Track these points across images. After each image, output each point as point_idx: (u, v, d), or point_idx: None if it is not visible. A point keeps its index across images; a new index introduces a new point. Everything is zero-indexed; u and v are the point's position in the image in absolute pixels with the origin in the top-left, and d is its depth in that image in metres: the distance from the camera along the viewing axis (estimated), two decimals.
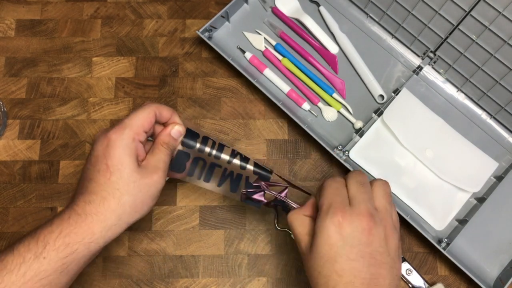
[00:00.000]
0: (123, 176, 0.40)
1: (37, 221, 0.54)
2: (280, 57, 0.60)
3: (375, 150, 0.56)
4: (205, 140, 0.48)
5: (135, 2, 0.63)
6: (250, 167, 0.48)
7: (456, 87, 0.60)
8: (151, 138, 0.46)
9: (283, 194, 0.47)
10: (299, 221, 0.42)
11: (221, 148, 0.49)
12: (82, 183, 0.41)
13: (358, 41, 0.61)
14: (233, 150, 0.49)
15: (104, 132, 0.42)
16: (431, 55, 0.59)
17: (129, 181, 0.40)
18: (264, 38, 0.61)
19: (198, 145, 0.48)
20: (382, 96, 0.59)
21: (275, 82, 0.59)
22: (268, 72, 0.59)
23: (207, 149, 0.48)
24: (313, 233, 0.40)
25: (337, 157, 0.54)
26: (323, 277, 0.38)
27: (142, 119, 0.42)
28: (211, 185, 0.48)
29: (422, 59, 0.60)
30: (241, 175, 0.48)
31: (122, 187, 0.40)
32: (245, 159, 0.49)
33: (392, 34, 0.61)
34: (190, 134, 0.48)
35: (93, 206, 0.39)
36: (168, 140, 0.44)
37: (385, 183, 0.42)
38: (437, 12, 0.54)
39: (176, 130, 0.45)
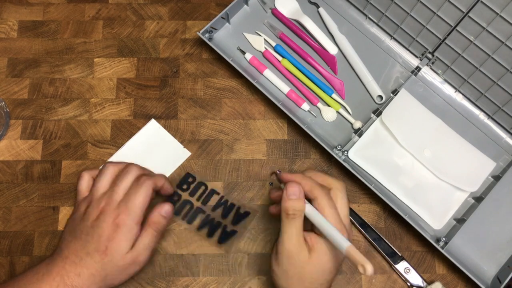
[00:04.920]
0: (114, 259, 0.45)
1: (40, 220, 0.55)
2: (280, 58, 0.61)
3: (374, 150, 0.57)
4: (199, 185, 0.56)
5: (136, 4, 0.64)
6: (230, 217, 0.55)
7: (454, 87, 0.60)
8: None
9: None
10: None
11: (210, 194, 0.56)
12: (78, 249, 0.45)
13: (357, 42, 0.61)
14: (221, 198, 0.56)
15: (113, 212, 0.46)
16: (429, 56, 0.59)
17: (118, 265, 0.45)
18: (264, 39, 0.61)
19: (190, 189, 0.56)
20: (380, 96, 0.60)
21: (275, 83, 0.60)
22: (268, 73, 0.60)
23: (198, 194, 0.56)
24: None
25: (336, 157, 0.54)
26: None
27: (144, 202, 0.47)
28: (191, 227, 0.55)
29: (421, 60, 0.61)
30: (220, 223, 0.55)
31: (109, 267, 0.45)
32: (229, 208, 0.55)
33: (390, 35, 0.62)
34: (187, 177, 0.56)
35: (81, 279, 0.44)
36: (158, 220, 0.48)
37: None
38: (435, 13, 0.55)
39: (166, 210, 0.48)
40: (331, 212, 0.43)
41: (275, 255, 0.45)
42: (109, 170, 0.49)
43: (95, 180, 0.50)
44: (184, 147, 0.58)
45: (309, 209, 0.43)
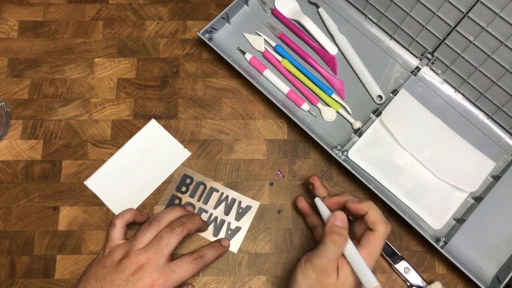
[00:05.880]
0: None
1: (40, 220, 0.55)
2: (279, 58, 0.61)
3: (374, 150, 0.57)
4: (197, 185, 0.56)
5: (136, 4, 0.64)
6: (233, 213, 0.55)
7: (454, 87, 0.60)
8: None
9: None
10: None
11: (210, 192, 0.56)
12: None
13: (357, 42, 0.62)
14: (221, 194, 0.56)
15: (153, 273, 0.46)
16: (429, 56, 0.60)
17: None
18: (264, 39, 0.62)
19: (189, 191, 0.56)
20: (380, 96, 0.60)
21: (275, 83, 0.60)
22: (268, 73, 0.60)
23: (198, 194, 0.56)
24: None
25: (336, 157, 0.54)
26: None
27: (189, 276, 0.49)
28: None
29: (420, 60, 0.61)
30: (223, 221, 0.55)
31: None
32: (230, 204, 0.55)
33: (390, 36, 0.62)
34: (184, 179, 0.56)
35: None
36: None
37: None
38: (435, 13, 0.55)
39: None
40: (370, 245, 0.43)
41: (304, 265, 0.44)
42: (155, 227, 0.49)
43: (138, 232, 0.49)
44: (184, 147, 0.58)
45: (348, 246, 0.44)
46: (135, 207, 0.55)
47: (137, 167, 0.57)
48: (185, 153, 0.58)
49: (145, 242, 0.48)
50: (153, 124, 0.59)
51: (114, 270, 0.46)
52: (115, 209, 0.55)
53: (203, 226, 0.53)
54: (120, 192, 0.56)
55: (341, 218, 0.45)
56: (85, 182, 0.56)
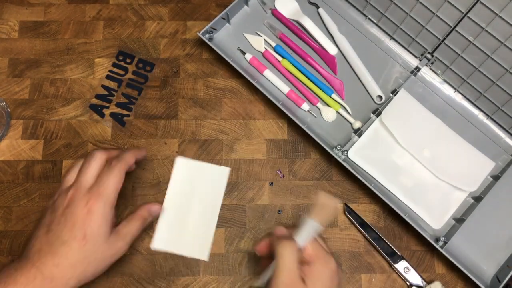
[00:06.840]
0: (96, 245, 0.42)
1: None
2: (279, 58, 0.61)
3: (374, 150, 0.57)
4: None
5: (136, 4, 0.64)
6: None
7: (453, 87, 0.60)
8: None
9: None
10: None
11: None
12: (51, 240, 0.42)
13: (357, 43, 0.62)
14: None
15: (83, 198, 0.43)
16: (429, 56, 0.60)
17: (99, 251, 0.43)
18: (264, 39, 0.62)
19: None
20: (380, 96, 0.60)
21: (275, 83, 0.60)
22: (268, 73, 0.60)
23: None
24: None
25: (336, 156, 0.54)
26: None
27: (117, 184, 0.44)
28: None
29: (420, 60, 0.61)
30: None
31: (91, 256, 0.42)
32: None
33: (390, 36, 0.62)
34: None
35: (60, 270, 0.41)
36: (147, 216, 0.47)
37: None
38: (434, 13, 0.55)
39: (155, 210, 0.48)
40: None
41: None
42: (77, 164, 0.46)
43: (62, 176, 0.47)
44: (221, 165, 0.52)
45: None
46: None
47: (189, 209, 0.51)
48: (225, 171, 0.51)
49: (71, 179, 0.45)
50: (181, 162, 0.51)
51: (50, 212, 0.44)
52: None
53: (141, 157, 0.49)
54: None
55: (279, 230, 0.44)
56: None
